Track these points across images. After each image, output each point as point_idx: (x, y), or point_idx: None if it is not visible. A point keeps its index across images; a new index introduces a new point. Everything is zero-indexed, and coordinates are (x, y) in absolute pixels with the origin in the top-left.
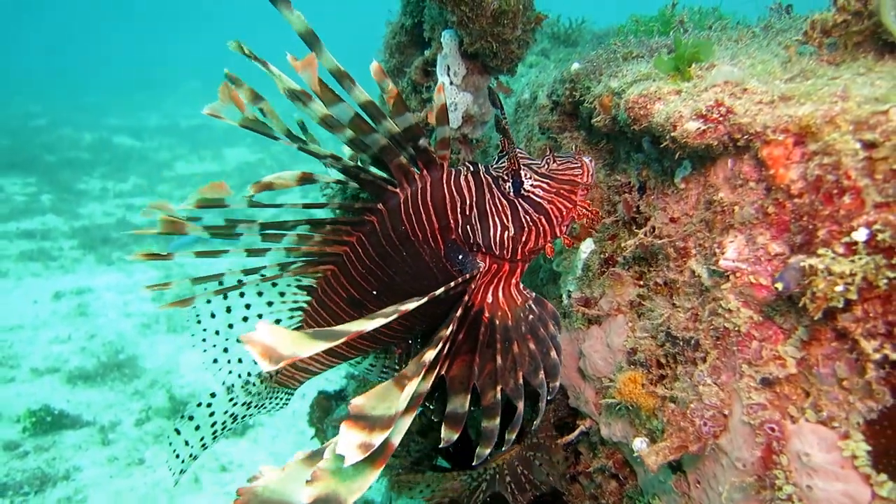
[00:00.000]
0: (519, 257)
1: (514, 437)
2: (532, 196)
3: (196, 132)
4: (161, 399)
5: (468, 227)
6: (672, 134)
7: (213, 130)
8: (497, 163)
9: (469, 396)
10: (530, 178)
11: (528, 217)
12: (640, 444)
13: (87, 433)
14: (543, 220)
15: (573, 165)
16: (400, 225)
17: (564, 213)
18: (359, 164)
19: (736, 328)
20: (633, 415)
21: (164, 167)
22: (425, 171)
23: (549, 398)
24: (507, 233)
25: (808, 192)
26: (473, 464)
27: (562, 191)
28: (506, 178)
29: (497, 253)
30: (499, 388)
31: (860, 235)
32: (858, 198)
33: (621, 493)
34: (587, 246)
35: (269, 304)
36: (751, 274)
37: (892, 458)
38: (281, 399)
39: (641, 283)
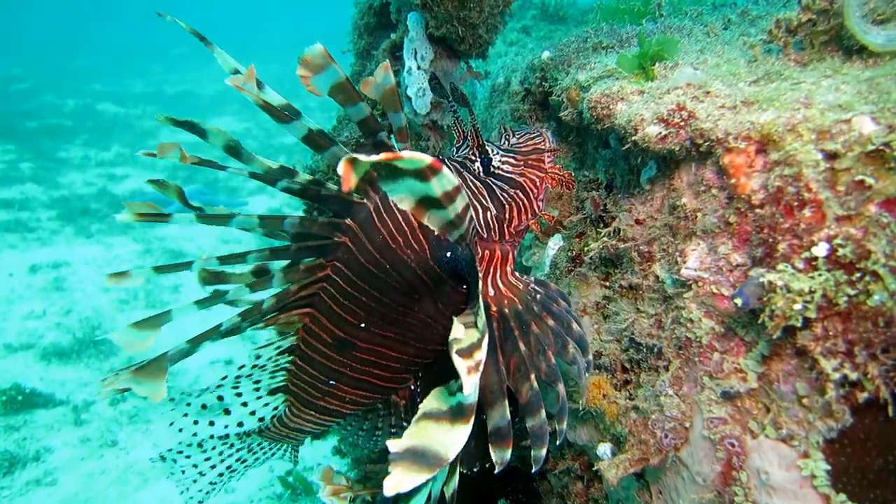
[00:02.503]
0: (507, 238)
1: (565, 426)
2: (502, 172)
3: (182, 99)
4: None
5: None
6: (633, 138)
7: (200, 98)
8: (457, 153)
9: (507, 401)
10: (497, 154)
11: (504, 194)
12: (604, 449)
13: (59, 412)
14: (520, 194)
15: (533, 135)
16: (377, 235)
17: (538, 182)
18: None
19: (697, 339)
20: (597, 420)
21: (148, 135)
22: None
23: (587, 373)
24: (488, 213)
25: (770, 203)
26: (533, 471)
27: (529, 161)
28: (472, 158)
29: (485, 236)
30: (533, 378)
31: (820, 251)
32: (819, 211)
33: (587, 496)
34: (555, 242)
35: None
36: (713, 284)
37: (852, 478)
38: (277, 451)
39: (607, 284)
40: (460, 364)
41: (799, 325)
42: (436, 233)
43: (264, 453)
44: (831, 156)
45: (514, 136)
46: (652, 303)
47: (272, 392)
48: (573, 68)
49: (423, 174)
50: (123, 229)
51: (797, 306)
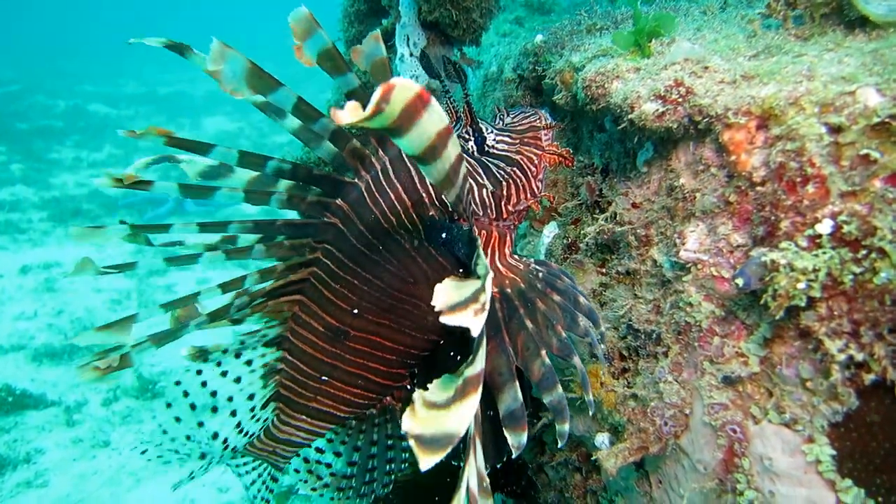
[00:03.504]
0: (505, 216)
1: (591, 397)
2: (497, 150)
3: (174, 100)
4: (129, 378)
5: (444, 195)
6: (630, 116)
7: (192, 98)
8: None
9: (517, 383)
10: (491, 132)
11: (501, 172)
12: (602, 439)
13: (51, 413)
14: (517, 171)
15: (528, 113)
16: (369, 215)
17: (536, 160)
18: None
19: (697, 323)
20: (595, 409)
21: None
22: (380, 151)
23: (602, 349)
24: (485, 190)
25: (771, 180)
26: (559, 445)
27: (525, 139)
28: (466, 137)
29: (482, 214)
30: (543, 353)
31: (824, 228)
32: (823, 186)
33: (585, 487)
34: (550, 230)
35: (237, 380)
36: (712, 266)
37: (858, 463)
38: (265, 473)
39: (604, 271)
40: (462, 312)
41: (803, 305)
42: (430, 212)
43: (244, 471)
44: (835, 129)
45: (508, 115)
46: (650, 288)
47: (264, 405)
48: (567, 50)
49: (414, 106)
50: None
51: (801, 285)
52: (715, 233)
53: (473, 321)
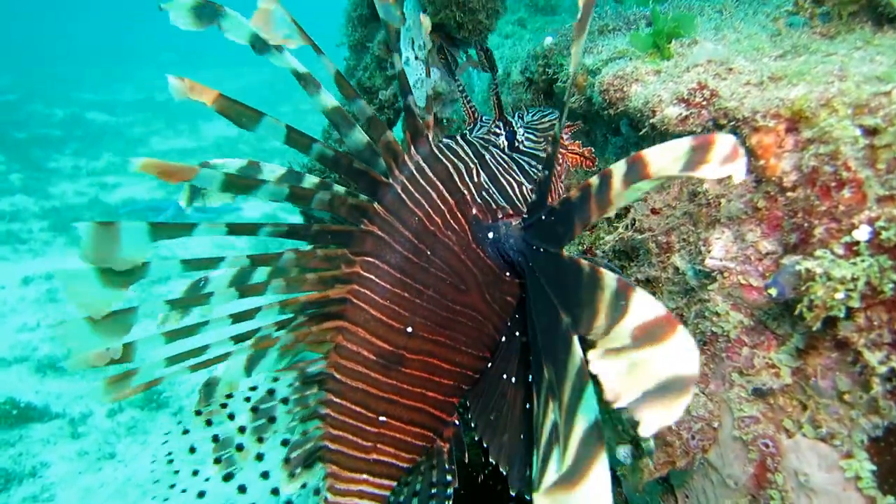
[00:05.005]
0: None
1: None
2: (525, 148)
3: (172, 105)
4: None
5: (484, 193)
6: (651, 120)
7: (190, 104)
8: (474, 132)
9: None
10: (520, 128)
11: (533, 169)
12: (624, 452)
13: (56, 426)
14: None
15: (546, 112)
16: (411, 217)
17: (560, 159)
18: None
19: (724, 333)
20: (615, 419)
21: (138, 143)
22: (412, 148)
23: None
24: (523, 187)
25: (803, 184)
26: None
27: (548, 137)
28: (497, 131)
29: (522, 210)
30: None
31: (862, 234)
32: (859, 191)
33: None
34: None
35: (272, 420)
36: (740, 274)
37: None
38: None
39: None
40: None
41: (841, 315)
42: (473, 210)
43: None
44: (871, 131)
45: (528, 113)
46: (672, 296)
47: (307, 465)
48: None
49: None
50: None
51: (839, 295)
52: (742, 240)
53: (676, 410)
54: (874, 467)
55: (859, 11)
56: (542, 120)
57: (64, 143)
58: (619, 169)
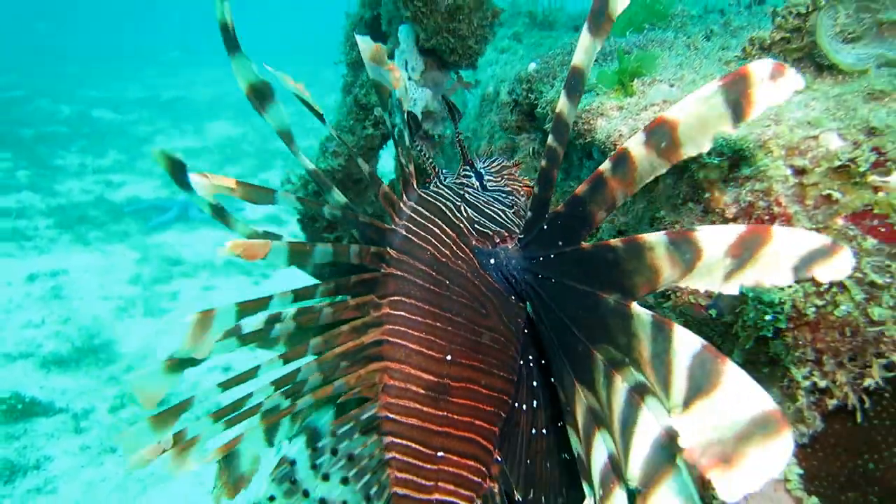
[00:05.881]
0: None
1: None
2: (492, 184)
3: (176, 104)
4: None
5: (477, 224)
6: (613, 152)
7: (194, 103)
8: (445, 181)
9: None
10: (482, 168)
11: (508, 199)
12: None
13: (59, 420)
14: (515, 199)
15: (493, 158)
16: (423, 253)
17: (521, 190)
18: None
19: None
20: None
21: (143, 142)
22: (404, 195)
23: None
24: (508, 213)
25: (742, 217)
26: None
27: (504, 175)
28: (467, 173)
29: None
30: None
31: None
32: (788, 224)
33: None
34: None
35: (344, 482)
36: (691, 293)
37: (823, 482)
38: None
39: None
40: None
41: (770, 335)
42: (472, 241)
43: None
44: (800, 171)
45: (479, 161)
46: None
47: None
48: (558, 81)
49: None
50: (121, 237)
51: (768, 317)
52: None
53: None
54: (801, 471)
55: (803, 58)
56: (493, 164)
57: (70, 140)
58: (635, 139)
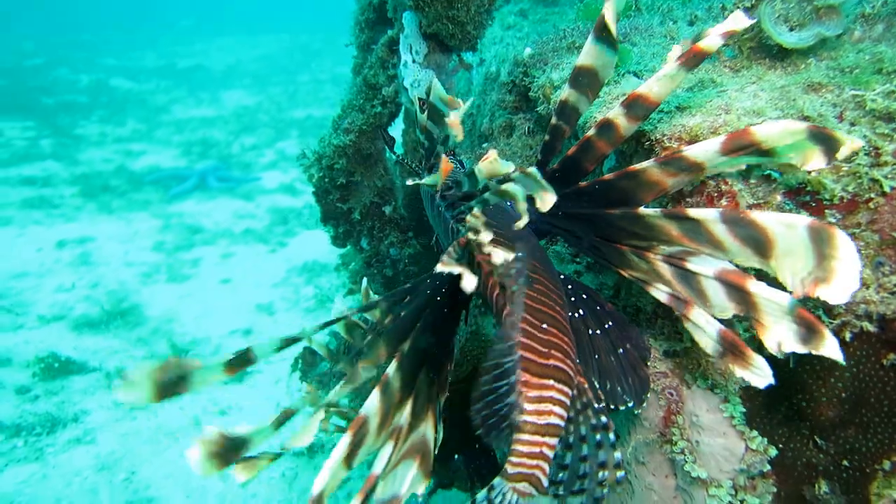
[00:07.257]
0: None
1: None
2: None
3: (192, 73)
4: (163, 347)
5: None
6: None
7: (210, 72)
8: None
9: None
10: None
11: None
12: None
13: (93, 378)
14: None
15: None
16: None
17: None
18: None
19: (644, 309)
20: None
21: (161, 111)
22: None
23: None
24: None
25: (696, 193)
26: None
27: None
28: (450, 185)
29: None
30: None
31: None
32: (734, 200)
33: None
34: None
35: None
36: None
37: (762, 419)
38: None
39: None
40: None
41: None
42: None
43: None
44: None
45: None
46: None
47: None
48: (549, 67)
49: None
50: (142, 206)
51: None
52: None
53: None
54: (744, 409)
55: (757, 48)
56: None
57: (90, 109)
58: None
